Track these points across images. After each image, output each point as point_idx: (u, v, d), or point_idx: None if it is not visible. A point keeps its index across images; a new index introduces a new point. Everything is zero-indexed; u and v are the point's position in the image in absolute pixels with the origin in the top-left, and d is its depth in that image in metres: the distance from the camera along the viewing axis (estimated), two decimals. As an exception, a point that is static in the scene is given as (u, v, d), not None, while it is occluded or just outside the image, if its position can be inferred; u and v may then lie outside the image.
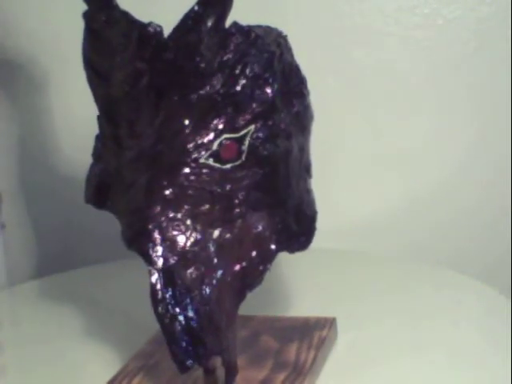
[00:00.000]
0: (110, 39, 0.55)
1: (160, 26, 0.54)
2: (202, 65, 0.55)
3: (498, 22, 0.96)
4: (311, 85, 0.63)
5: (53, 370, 0.70)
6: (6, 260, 0.96)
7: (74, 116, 0.99)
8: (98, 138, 0.63)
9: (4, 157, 1.01)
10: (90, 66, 0.58)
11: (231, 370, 0.57)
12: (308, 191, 0.63)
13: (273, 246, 0.59)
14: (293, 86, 0.61)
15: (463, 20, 0.96)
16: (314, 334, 0.68)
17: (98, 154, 0.63)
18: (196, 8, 0.54)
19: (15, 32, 0.96)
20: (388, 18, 0.96)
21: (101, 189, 0.62)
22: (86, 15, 0.55)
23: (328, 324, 0.70)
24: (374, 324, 0.73)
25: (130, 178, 0.58)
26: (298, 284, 0.82)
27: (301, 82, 0.61)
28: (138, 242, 0.56)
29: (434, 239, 1.02)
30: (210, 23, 0.55)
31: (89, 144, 1.00)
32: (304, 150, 0.62)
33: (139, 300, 0.83)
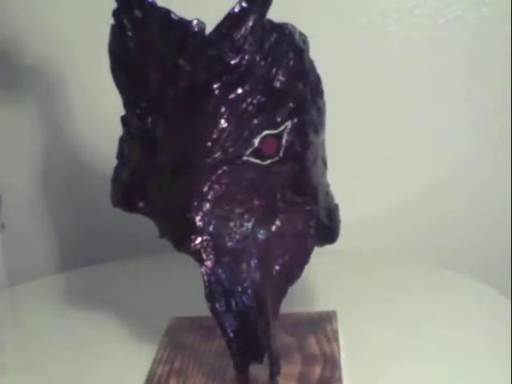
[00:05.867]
0: (145, 37, 0.55)
1: (203, 23, 0.54)
2: (245, 62, 0.55)
3: (498, 22, 0.95)
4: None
5: (56, 371, 0.70)
6: (6, 260, 0.96)
7: (77, 117, 0.99)
8: (122, 139, 0.63)
9: (4, 156, 1.01)
10: (119, 65, 0.57)
11: (276, 365, 0.58)
12: (328, 185, 0.65)
13: (309, 241, 0.61)
14: (314, 82, 0.61)
15: (463, 20, 0.96)
16: (325, 326, 0.69)
17: (123, 156, 0.63)
18: (240, 5, 0.55)
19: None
20: (388, 18, 0.96)
21: (130, 192, 0.62)
22: (116, 13, 0.55)
23: (333, 316, 0.71)
24: (373, 323, 0.73)
25: (168, 179, 0.58)
26: (297, 283, 0.81)
27: (318, 79, 0.62)
28: (187, 242, 0.56)
29: (434, 239, 1.02)
30: (252, 20, 0.55)
31: (89, 144, 1.00)
32: (324, 144, 0.64)
33: (139, 299, 0.83)
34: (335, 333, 0.68)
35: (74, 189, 1.01)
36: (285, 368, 0.61)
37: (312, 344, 0.66)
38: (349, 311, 0.75)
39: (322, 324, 0.70)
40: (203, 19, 0.55)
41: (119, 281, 0.90)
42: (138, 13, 0.54)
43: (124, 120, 0.61)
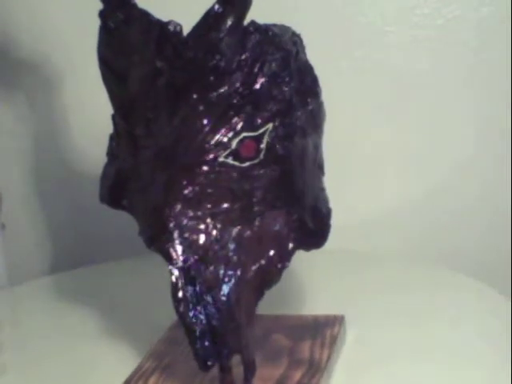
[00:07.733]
0: (127, 38, 0.55)
1: (180, 25, 0.54)
2: (222, 63, 0.55)
3: (498, 22, 0.95)
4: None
5: (56, 371, 0.70)
6: (6, 260, 0.96)
7: (76, 117, 0.99)
8: (112, 137, 0.63)
9: (4, 156, 1.01)
10: (105, 65, 0.58)
11: (250, 368, 0.58)
12: (322, 189, 0.63)
13: (290, 244, 0.60)
14: (307, 84, 0.61)
15: (463, 20, 0.96)
16: (325, 331, 0.69)
17: (112, 154, 0.63)
18: (217, 6, 0.54)
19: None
20: (388, 18, 0.96)
21: (116, 188, 0.62)
22: (102, 14, 0.56)
23: (338, 322, 0.70)
24: (374, 323, 0.73)
25: (147, 177, 0.58)
26: (298, 284, 0.82)
27: (314, 80, 0.61)
28: (158, 241, 0.56)
29: (433, 239, 1.02)
30: (230, 22, 0.55)
31: (88, 144, 1.00)
32: (318, 147, 0.63)
33: (141, 297, 0.83)
34: (334, 338, 0.67)
35: (74, 189, 1.01)
36: (266, 371, 0.61)
37: (305, 349, 0.66)
38: (348, 311, 0.75)
39: (323, 328, 0.69)
40: (182, 21, 0.55)
41: (120, 280, 0.90)
42: (120, 14, 0.55)
43: (113, 118, 0.61)
